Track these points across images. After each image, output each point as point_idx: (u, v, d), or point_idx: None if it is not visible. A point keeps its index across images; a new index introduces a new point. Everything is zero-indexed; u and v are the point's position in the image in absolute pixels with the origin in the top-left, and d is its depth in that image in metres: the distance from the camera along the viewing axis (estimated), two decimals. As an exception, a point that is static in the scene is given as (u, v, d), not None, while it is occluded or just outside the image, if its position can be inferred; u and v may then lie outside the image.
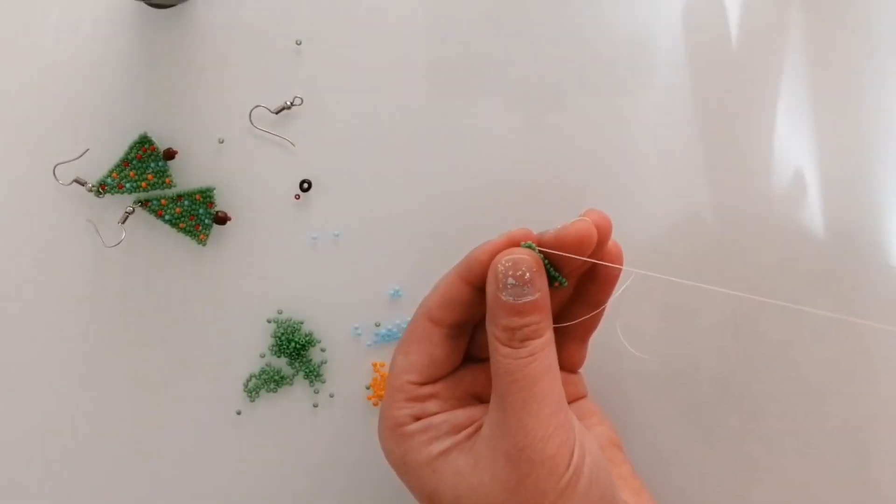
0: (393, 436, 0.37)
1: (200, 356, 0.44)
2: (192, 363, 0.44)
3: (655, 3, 0.43)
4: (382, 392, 0.44)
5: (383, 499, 0.44)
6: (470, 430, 0.36)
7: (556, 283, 0.36)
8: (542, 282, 0.35)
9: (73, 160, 0.42)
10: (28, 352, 0.44)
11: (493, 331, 0.35)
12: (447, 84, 0.43)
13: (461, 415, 0.37)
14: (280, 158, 0.43)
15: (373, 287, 0.44)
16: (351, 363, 0.44)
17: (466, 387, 0.39)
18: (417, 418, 0.37)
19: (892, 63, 0.43)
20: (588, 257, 0.35)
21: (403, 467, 0.36)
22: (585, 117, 0.43)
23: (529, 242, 0.36)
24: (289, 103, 0.43)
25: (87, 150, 0.43)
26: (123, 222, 0.43)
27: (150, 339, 0.44)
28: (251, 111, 0.43)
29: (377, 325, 0.44)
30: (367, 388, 0.44)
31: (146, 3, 0.42)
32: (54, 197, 0.43)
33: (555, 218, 0.36)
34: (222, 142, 0.43)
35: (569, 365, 0.40)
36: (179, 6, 0.42)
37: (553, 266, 0.36)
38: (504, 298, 0.35)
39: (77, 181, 0.43)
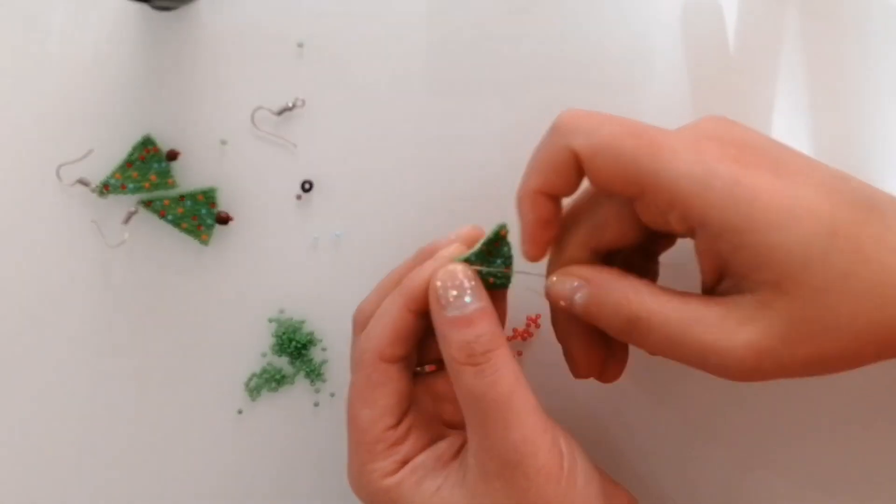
0: (381, 491, 0.36)
1: (202, 355, 0.44)
2: (194, 362, 0.44)
3: (655, 4, 0.43)
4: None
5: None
6: (457, 462, 0.36)
7: (507, 268, 0.36)
8: (483, 291, 0.35)
9: (77, 161, 0.43)
10: (30, 351, 0.44)
11: (451, 353, 0.34)
12: (447, 84, 0.43)
13: (443, 446, 0.37)
14: (282, 159, 0.44)
15: (373, 287, 0.44)
16: (352, 363, 0.44)
17: (430, 406, 0.39)
18: (403, 463, 0.36)
19: (890, 63, 0.43)
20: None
21: None
22: (585, 118, 0.43)
23: (459, 258, 0.36)
24: (290, 104, 0.43)
25: (91, 151, 0.43)
26: (126, 222, 0.43)
27: (152, 339, 0.44)
28: (253, 112, 0.43)
29: (378, 324, 0.44)
30: (368, 387, 0.44)
31: (149, 5, 0.42)
32: (58, 197, 0.43)
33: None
34: (225, 143, 0.44)
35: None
36: (182, 8, 0.43)
37: (491, 273, 0.36)
38: (451, 315, 0.34)
39: (80, 182, 0.43)
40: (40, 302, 0.44)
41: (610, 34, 0.43)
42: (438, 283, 0.35)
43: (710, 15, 0.43)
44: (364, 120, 0.44)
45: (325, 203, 0.44)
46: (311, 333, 0.44)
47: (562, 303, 0.35)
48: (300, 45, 0.43)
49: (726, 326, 0.32)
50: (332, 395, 0.45)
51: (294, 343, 0.44)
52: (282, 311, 0.44)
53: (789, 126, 0.43)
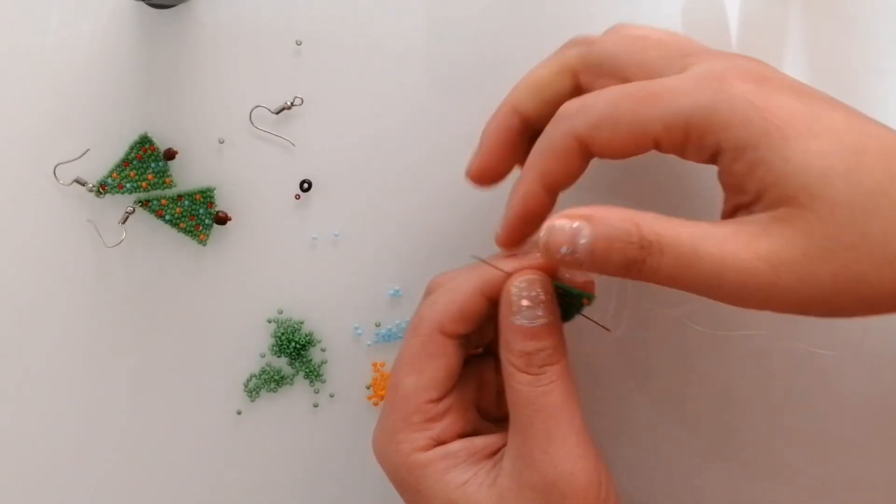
0: (407, 464, 0.35)
1: (201, 356, 0.44)
2: (193, 363, 0.44)
3: (655, 3, 0.43)
4: (383, 392, 0.44)
5: (383, 499, 0.44)
6: (489, 461, 0.35)
7: (586, 300, 0.35)
8: (555, 306, 0.35)
9: (74, 160, 0.43)
10: (28, 352, 0.44)
11: (509, 357, 0.34)
12: (447, 83, 0.43)
13: (479, 442, 0.36)
14: (280, 158, 0.43)
15: (373, 287, 0.44)
16: (351, 363, 0.44)
17: (473, 391, 0.38)
18: (436, 442, 0.35)
19: (892, 63, 0.43)
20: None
21: (416, 495, 0.35)
22: (585, 117, 0.43)
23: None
24: (289, 103, 0.43)
25: (88, 150, 0.43)
26: (124, 222, 0.43)
27: (150, 339, 0.44)
28: (251, 111, 0.43)
29: (377, 325, 0.44)
30: (368, 387, 0.44)
31: (147, 3, 0.42)
32: (55, 197, 0.43)
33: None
34: (223, 142, 0.43)
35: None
36: (180, 6, 0.43)
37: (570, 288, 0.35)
38: (518, 322, 0.34)
39: (77, 181, 0.43)
40: (36, 302, 0.44)
41: (610, 33, 0.43)
42: (514, 289, 0.34)
43: (713, 14, 0.43)
44: (363, 119, 0.43)
45: (323, 203, 0.44)
46: (311, 334, 0.44)
47: (563, 249, 0.32)
48: (299, 44, 0.43)
49: (740, 240, 0.30)
50: (332, 395, 0.44)
51: (293, 343, 0.43)
52: (280, 312, 0.44)
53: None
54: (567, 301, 0.36)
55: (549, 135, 0.34)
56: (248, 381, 0.44)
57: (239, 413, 0.44)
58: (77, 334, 0.44)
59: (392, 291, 0.44)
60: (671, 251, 0.31)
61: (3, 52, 0.42)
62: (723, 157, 0.31)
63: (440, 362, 0.36)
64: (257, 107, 0.43)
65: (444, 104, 0.43)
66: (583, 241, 0.32)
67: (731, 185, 0.32)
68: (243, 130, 0.43)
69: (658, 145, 0.33)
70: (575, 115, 0.33)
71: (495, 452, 0.36)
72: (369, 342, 0.44)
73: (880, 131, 0.31)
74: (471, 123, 0.43)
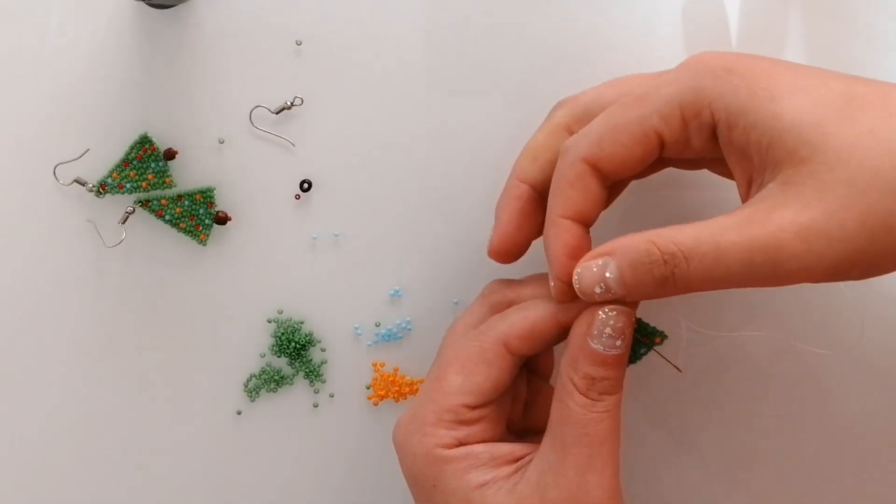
0: (428, 456, 0.35)
1: (200, 356, 0.44)
2: (192, 363, 0.44)
3: (655, 3, 0.43)
4: (383, 392, 0.44)
5: (383, 498, 0.44)
6: (510, 467, 0.35)
7: (658, 339, 0.37)
8: (631, 341, 0.35)
9: (74, 160, 0.42)
10: (28, 352, 0.44)
11: (572, 377, 0.34)
12: (447, 82, 0.43)
13: (503, 448, 0.36)
14: (280, 158, 0.43)
15: (373, 287, 0.44)
16: (351, 363, 0.44)
17: (508, 405, 0.38)
18: (460, 443, 0.35)
19: (891, 62, 0.43)
20: None
21: (431, 490, 0.35)
22: (585, 117, 0.43)
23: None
24: (289, 103, 0.43)
25: (88, 150, 0.43)
26: (124, 222, 0.43)
27: (150, 339, 0.44)
28: (251, 111, 0.43)
29: (377, 325, 0.44)
30: (368, 387, 0.44)
31: (147, 3, 0.42)
32: (54, 197, 0.43)
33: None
34: (222, 142, 0.43)
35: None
36: (180, 6, 0.43)
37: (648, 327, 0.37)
38: (594, 346, 0.34)
39: (77, 181, 0.43)
40: (36, 302, 0.44)
41: (610, 31, 0.43)
42: (602, 315, 0.34)
43: (713, 14, 0.43)
44: (363, 119, 0.43)
45: (323, 203, 0.44)
46: (310, 334, 0.44)
47: (597, 289, 0.33)
48: (299, 44, 0.43)
49: (759, 218, 0.30)
50: (332, 395, 0.44)
51: (293, 343, 0.44)
52: (280, 312, 0.44)
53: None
54: (638, 339, 0.36)
55: (559, 169, 0.35)
56: (248, 381, 0.44)
57: (239, 413, 0.44)
58: (76, 334, 0.44)
59: (392, 291, 0.44)
60: (694, 255, 0.31)
61: (2, 53, 0.42)
62: (720, 130, 0.32)
63: (491, 373, 0.36)
64: (257, 107, 0.43)
65: (443, 104, 0.43)
66: (610, 275, 0.33)
67: (735, 159, 0.32)
68: (243, 130, 0.43)
69: (663, 144, 0.33)
70: (577, 143, 0.34)
71: (517, 460, 0.36)
72: (369, 342, 0.44)
73: (865, 79, 0.32)
74: (471, 122, 0.43)
